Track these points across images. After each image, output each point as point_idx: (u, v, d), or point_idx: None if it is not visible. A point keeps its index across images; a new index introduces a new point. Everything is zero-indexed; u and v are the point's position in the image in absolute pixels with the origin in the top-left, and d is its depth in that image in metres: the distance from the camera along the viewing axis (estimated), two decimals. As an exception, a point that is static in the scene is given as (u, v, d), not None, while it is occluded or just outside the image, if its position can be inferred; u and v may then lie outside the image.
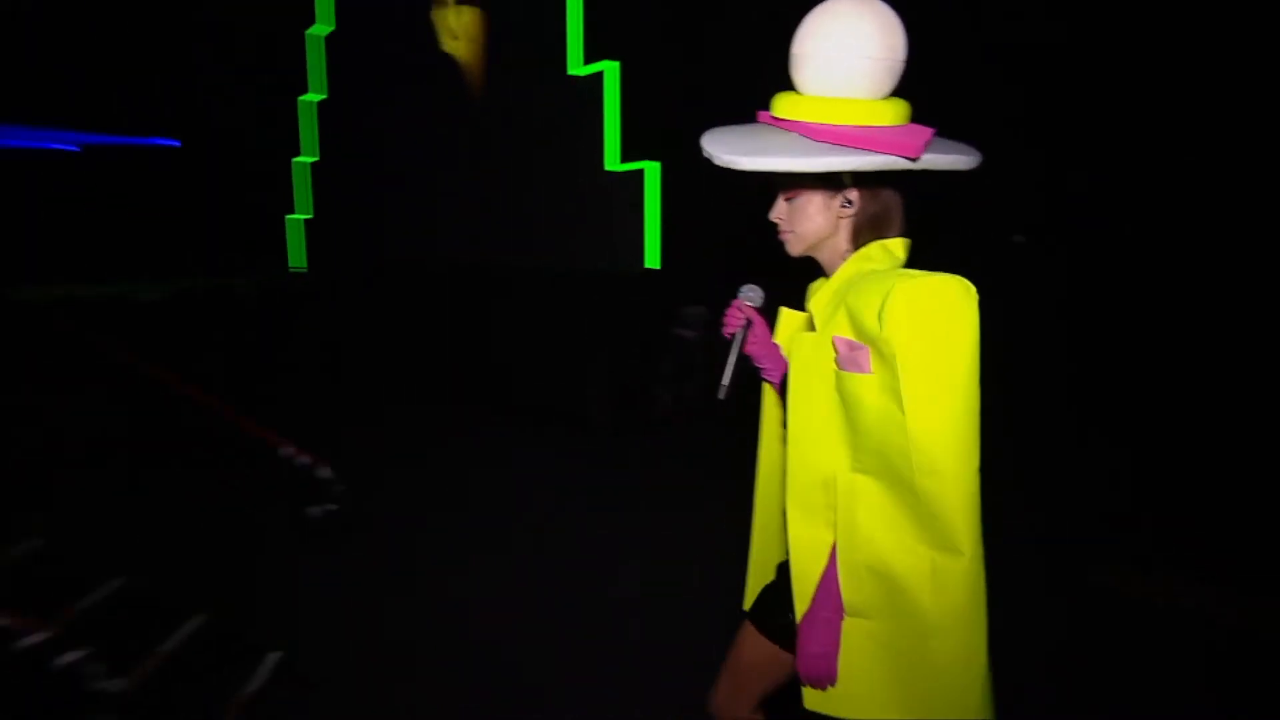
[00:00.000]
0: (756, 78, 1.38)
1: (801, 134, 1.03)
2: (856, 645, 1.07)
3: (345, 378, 6.41)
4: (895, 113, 1.05)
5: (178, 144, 7.89)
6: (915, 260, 1.12)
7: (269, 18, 7.17)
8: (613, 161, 5.06)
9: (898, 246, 1.13)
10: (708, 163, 1.02)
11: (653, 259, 4.94)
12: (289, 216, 7.68)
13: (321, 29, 7.25)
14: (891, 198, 1.12)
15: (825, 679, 1.08)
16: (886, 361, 0.97)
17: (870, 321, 0.97)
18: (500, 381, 5.62)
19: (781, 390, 1.20)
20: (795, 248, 1.19)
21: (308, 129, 7.51)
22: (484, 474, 4.16)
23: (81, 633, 1.91)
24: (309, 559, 3.00)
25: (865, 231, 1.13)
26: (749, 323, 1.26)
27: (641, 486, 3.95)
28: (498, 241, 6.05)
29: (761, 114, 1.12)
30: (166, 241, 7.67)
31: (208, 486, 3.64)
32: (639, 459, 4.38)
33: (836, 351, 1.05)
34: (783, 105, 1.08)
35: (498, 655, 2.38)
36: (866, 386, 1.01)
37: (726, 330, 1.26)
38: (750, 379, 1.30)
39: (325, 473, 1.89)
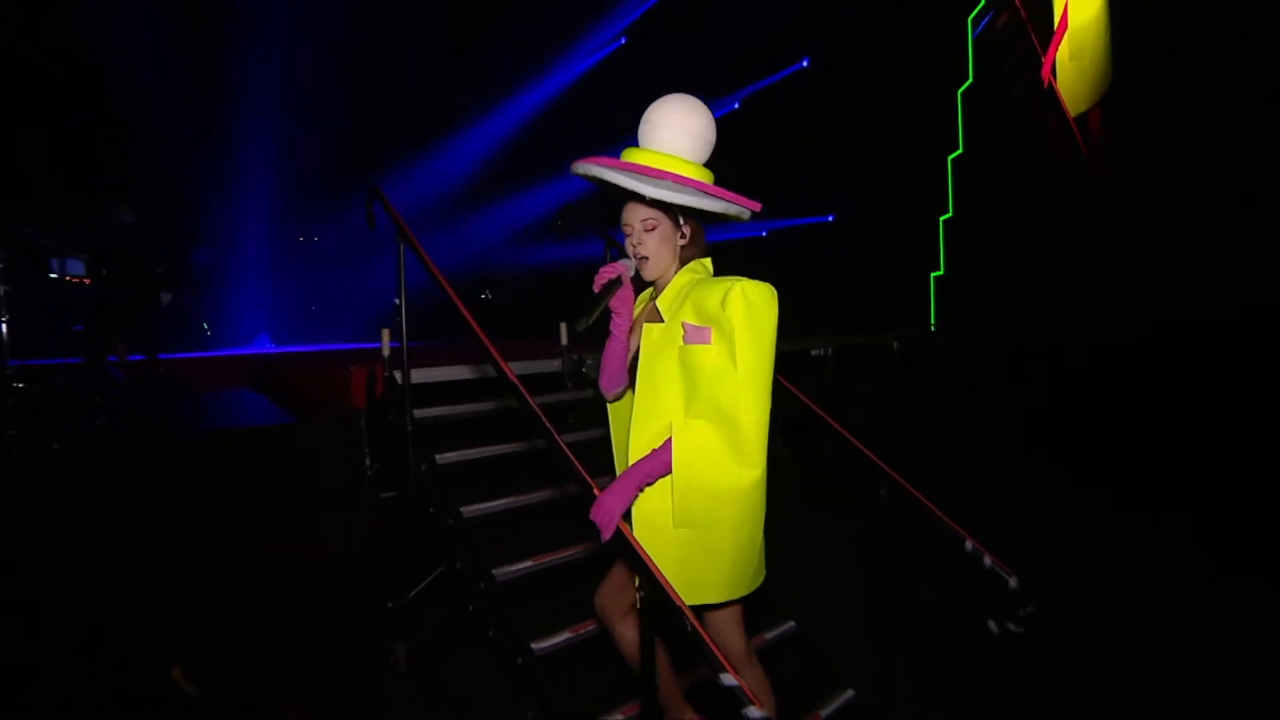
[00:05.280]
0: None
1: (673, 181, 1.46)
2: (693, 554, 1.50)
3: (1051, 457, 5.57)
4: (711, 175, 1.55)
5: (830, 219, 8.84)
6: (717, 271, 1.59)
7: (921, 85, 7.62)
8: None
9: (709, 262, 1.63)
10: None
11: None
12: (933, 274, 7.82)
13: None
14: (701, 229, 1.63)
15: (606, 526, 1.46)
16: (725, 335, 1.42)
17: (714, 308, 1.43)
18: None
19: (620, 342, 1.66)
20: (652, 273, 1.60)
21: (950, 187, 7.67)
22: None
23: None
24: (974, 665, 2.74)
25: (688, 253, 1.61)
26: (620, 280, 1.60)
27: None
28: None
29: (612, 160, 1.50)
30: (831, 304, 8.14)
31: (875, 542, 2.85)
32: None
33: (685, 332, 1.48)
34: (653, 158, 1.49)
35: None
36: (707, 354, 1.44)
37: (599, 280, 1.61)
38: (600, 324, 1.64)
39: (1013, 584, 1.73)
